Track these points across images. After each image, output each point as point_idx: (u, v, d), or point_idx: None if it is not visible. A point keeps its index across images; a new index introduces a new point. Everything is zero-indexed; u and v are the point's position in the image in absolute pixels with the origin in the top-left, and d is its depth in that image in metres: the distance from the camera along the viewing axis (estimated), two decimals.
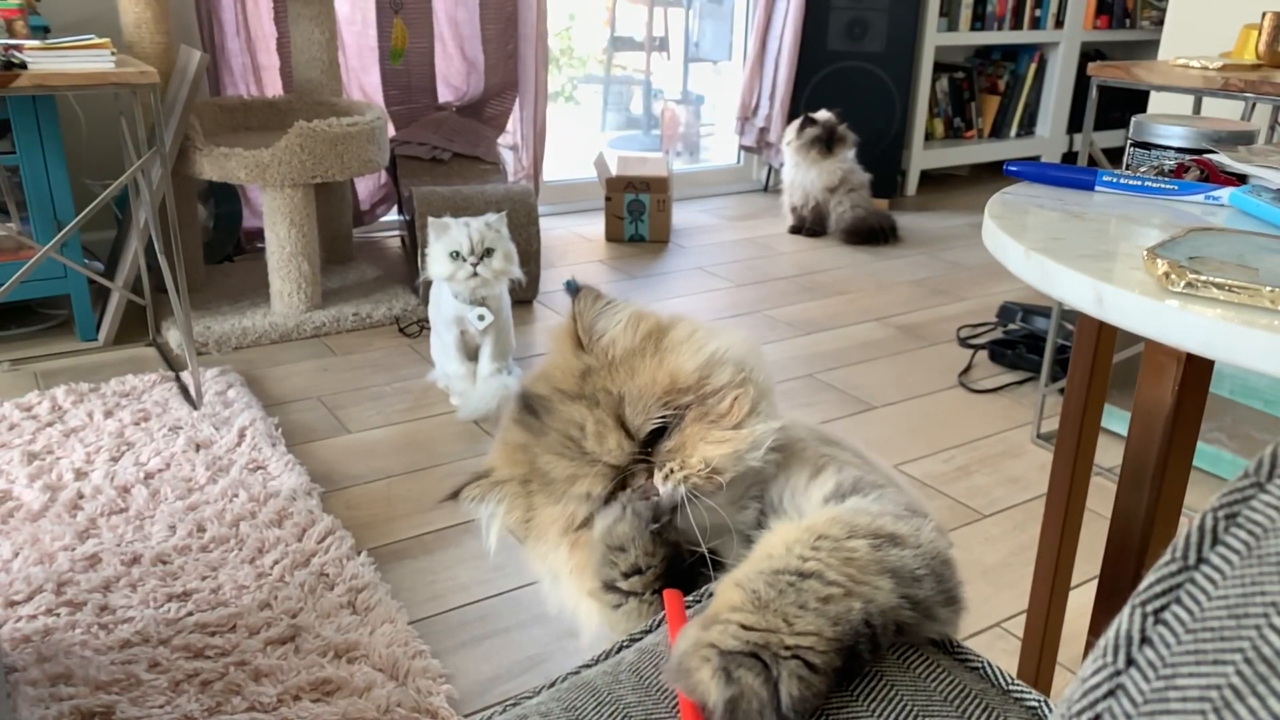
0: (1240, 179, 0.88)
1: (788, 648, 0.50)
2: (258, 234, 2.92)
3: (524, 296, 2.72)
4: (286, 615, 1.40)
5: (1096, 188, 0.88)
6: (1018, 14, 4.21)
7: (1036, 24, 4.27)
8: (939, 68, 4.10)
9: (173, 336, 2.34)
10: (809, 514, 0.64)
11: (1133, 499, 0.98)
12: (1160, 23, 3.80)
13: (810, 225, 3.54)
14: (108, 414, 1.96)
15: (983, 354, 2.51)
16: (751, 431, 0.70)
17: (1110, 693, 0.29)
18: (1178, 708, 0.26)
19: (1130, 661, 0.29)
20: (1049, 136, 4.48)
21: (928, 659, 0.56)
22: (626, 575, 0.67)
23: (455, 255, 2.03)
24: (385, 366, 2.34)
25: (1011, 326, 2.58)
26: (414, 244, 2.60)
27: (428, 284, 2.23)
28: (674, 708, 0.54)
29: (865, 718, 0.51)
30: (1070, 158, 4.52)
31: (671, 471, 0.68)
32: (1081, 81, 4.40)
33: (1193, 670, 0.27)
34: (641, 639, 0.62)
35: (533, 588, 1.53)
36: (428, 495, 1.79)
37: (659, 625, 0.63)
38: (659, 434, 0.70)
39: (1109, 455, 1.92)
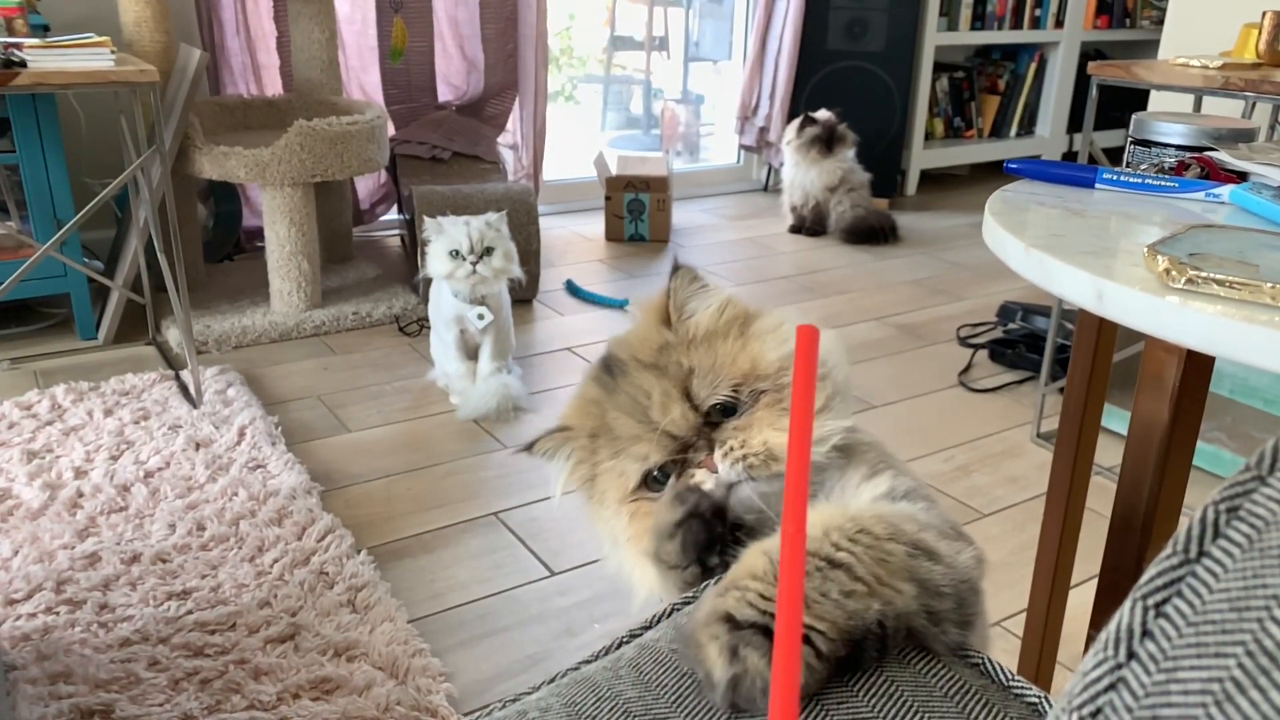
0: (1240, 176, 0.88)
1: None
2: (257, 233, 2.92)
3: (524, 296, 2.72)
4: (286, 614, 1.40)
5: (1097, 185, 0.88)
6: (1018, 14, 4.21)
7: (1036, 24, 4.27)
8: (939, 67, 4.09)
9: (172, 335, 2.34)
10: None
11: (1133, 499, 0.98)
12: (1160, 22, 3.80)
13: (810, 225, 3.54)
14: (107, 413, 1.96)
15: (982, 353, 2.51)
16: (819, 426, 0.70)
17: (1111, 686, 0.29)
18: (1179, 700, 0.26)
19: (1131, 655, 0.29)
20: (1049, 136, 4.48)
21: (928, 655, 0.56)
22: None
23: (455, 254, 2.03)
24: (385, 365, 2.33)
25: (1011, 326, 2.58)
26: (414, 243, 2.59)
27: (427, 282, 2.23)
28: (674, 704, 0.54)
29: (865, 713, 0.51)
30: (1070, 157, 4.52)
31: (731, 449, 0.70)
32: (1081, 81, 4.40)
33: (1194, 663, 0.27)
34: (641, 635, 0.62)
35: (532, 586, 1.53)
36: (427, 494, 1.79)
37: (659, 622, 0.63)
38: (729, 414, 0.72)
39: (1109, 455, 1.92)
